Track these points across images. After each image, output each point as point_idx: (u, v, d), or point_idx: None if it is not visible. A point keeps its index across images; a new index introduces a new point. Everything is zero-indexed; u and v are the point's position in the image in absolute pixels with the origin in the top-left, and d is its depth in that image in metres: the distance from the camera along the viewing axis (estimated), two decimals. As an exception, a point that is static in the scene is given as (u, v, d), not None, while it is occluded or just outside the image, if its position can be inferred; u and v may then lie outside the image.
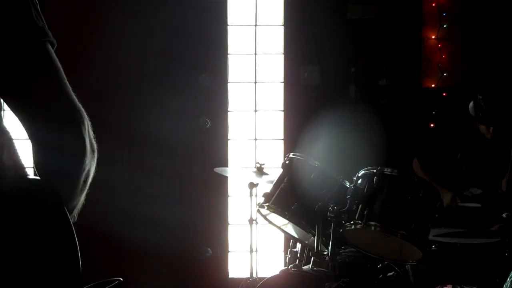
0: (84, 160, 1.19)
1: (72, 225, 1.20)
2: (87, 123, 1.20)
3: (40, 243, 1.15)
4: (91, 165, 1.23)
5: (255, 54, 3.99)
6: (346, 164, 2.75)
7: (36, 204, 1.18)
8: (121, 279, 1.46)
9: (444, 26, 3.96)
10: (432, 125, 3.94)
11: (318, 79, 3.94)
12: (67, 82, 1.19)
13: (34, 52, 1.15)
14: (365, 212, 2.36)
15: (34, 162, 1.20)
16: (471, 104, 3.27)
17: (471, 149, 3.39)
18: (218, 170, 3.25)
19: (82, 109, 1.20)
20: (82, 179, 1.22)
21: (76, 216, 1.31)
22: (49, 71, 1.17)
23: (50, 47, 1.18)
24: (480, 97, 3.21)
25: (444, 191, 3.24)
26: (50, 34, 1.19)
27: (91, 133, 1.22)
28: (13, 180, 1.17)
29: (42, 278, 1.15)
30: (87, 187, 1.26)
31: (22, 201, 1.16)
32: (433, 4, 3.95)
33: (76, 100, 1.19)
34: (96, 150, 1.24)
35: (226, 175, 3.40)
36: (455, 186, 3.36)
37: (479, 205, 3.23)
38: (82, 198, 1.28)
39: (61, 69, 1.19)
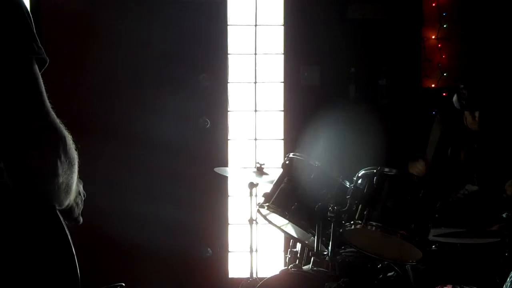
0: (56, 180, 1.17)
1: (68, 232, 1.19)
2: (63, 142, 1.17)
3: (34, 249, 1.15)
4: (69, 179, 1.20)
5: (255, 54, 3.99)
6: (346, 164, 2.76)
7: (31, 209, 1.17)
8: (123, 284, 1.45)
9: (444, 26, 3.96)
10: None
11: (318, 79, 3.94)
12: (46, 100, 1.16)
13: (14, 68, 1.13)
14: (365, 212, 2.36)
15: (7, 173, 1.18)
16: (454, 96, 3.32)
17: (460, 144, 3.40)
18: (217, 170, 3.25)
19: (58, 127, 1.17)
20: (61, 192, 1.20)
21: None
22: (26, 88, 1.14)
23: (35, 64, 1.16)
24: (462, 86, 3.26)
25: (412, 164, 3.30)
26: (40, 51, 1.17)
27: (71, 148, 1.20)
28: (11, 185, 1.16)
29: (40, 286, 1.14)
30: (73, 192, 1.24)
31: (19, 207, 1.15)
32: (433, 4, 3.95)
33: (52, 118, 1.16)
34: (76, 163, 1.22)
35: (226, 175, 3.40)
36: (450, 184, 3.36)
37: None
38: (72, 198, 1.27)
39: (42, 86, 1.16)
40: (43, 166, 1.15)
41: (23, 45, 1.15)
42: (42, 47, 1.18)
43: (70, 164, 1.20)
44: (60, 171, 1.17)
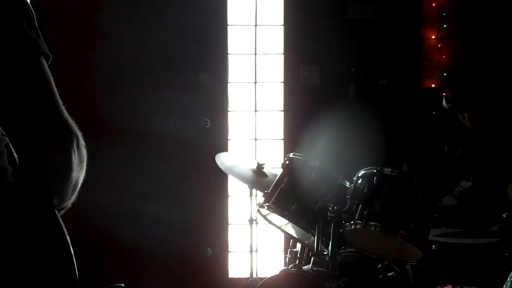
0: (70, 176, 1.19)
1: (66, 233, 1.19)
2: (77, 137, 1.19)
3: (32, 249, 1.14)
4: (79, 176, 1.22)
5: (255, 54, 3.99)
6: (346, 164, 2.75)
7: (30, 209, 1.17)
8: (123, 285, 1.45)
9: (444, 26, 3.96)
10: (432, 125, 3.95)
11: (318, 79, 3.94)
12: (58, 96, 1.18)
13: (23, 64, 1.13)
14: (365, 212, 2.36)
15: (21, 170, 1.19)
16: (443, 100, 3.33)
17: (456, 141, 3.41)
18: (218, 156, 3.20)
19: (71, 122, 1.19)
20: (71, 188, 1.21)
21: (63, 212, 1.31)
22: (38, 84, 1.15)
23: (43, 59, 1.17)
24: (447, 89, 3.27)
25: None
26: (44, 46, 1.17)
27: (82, 144, 1.21)
28: (12, 185, 1.16)
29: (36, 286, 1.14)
30: (77, 191, 1.25)
31: (18, 207, 1.15)
32: (433, 4, 3.95)
33: (66, 114, 1.18)
34: (85, 161, 1.23)
35: (225, 166, 3.38)
36: (447, 182, 3.37)
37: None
38: (73, 199, 1.28)
39: (53, 82, 1.17)
40: (61, 161, 1.16)
41: (30, 40, 1.15)
42: (45, 43, 1.19)
43: (81, 160, 1.21)
44: (74, 166, 1.18)
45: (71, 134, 1.18)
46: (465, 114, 3.27)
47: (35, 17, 1.19)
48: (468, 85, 3.28)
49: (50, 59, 1.21)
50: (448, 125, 3.49)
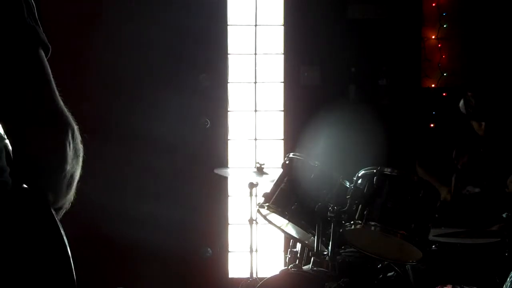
0: (64, 167, 1.17)
1: (63, 234, 1.18)
2: (72, 129, 1.17)
3: (28, 250, 1.13)
4: (74, 170, 1.20)
5: (255, 54, 3.99)
6: (346, 164, 2.76)
7: (26, 210, 1.16)
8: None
9: (444, 26, 3.96)
10: (432, 125, 3.94)
11: (318, 79, 3.94)
12: (54, 86, 1.16)
13: (21, 51, 1.13)
14: (365, 212, 2.36)
15: (14, 162, 1.18)
16: (461, 102, 3.32)
17: (465, 146, 3.41)
18: (217, 171, 3.25)
19: (67, 115, 1.17)
20: (65, 183, 1.20)
21: (61, 214, 1.30)
22: (34, 72, 1.14)
23: (41, 51, 1.16)
24: (470, 93, 3.26)
25: (441, 187, 3.28)
26: (43, 36, 1.16)
27: (78, 137, 1.20)
28: (9, 185, 1.15)
29: None
30: (73, 189, 1.24)
31: (14, 207, 1.14)
32: (433, 4, 3.95)
33: (62, 104, 1.16)
34: (81, 155, 1.22)
35: (226, 175, 3.40)
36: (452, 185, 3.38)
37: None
38: (70, 198, 1.27)
39: (50, 72, 1.16)
40: (54, 151, 1.15)
41: (29, 28, 1.14)
42: (44, 34, 1.18)
43: (76, 154, 1.20)
44: (69, 158, 1.17)
45: (66, 125, 1.16)
46: (483, 123, 3.26)
47: (35, 8, 1.18)
48: (494, 94, 3.27)
49: (50, 51, 1.20)
50: (457, 128, 3.49)
